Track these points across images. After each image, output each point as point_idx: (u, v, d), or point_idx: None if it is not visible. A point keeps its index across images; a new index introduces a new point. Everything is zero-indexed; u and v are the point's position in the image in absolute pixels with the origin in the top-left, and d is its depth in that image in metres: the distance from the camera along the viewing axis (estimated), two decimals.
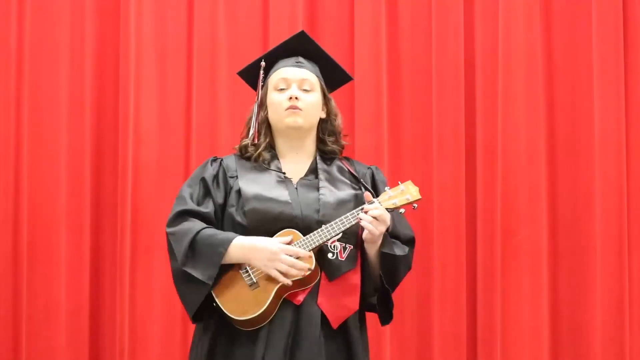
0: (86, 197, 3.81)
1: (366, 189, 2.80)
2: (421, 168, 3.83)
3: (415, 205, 2.72)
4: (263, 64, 2.88)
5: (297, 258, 2.65)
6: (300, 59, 2.86)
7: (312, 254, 2.65)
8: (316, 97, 2.84)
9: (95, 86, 3.86)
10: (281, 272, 2.63)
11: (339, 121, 2.91)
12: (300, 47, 2.88)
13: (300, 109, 2.79)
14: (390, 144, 3.84)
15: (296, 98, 2.80)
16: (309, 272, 2.64)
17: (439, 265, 3.77)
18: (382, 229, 2.67)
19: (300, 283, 2.66)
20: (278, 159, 2.84)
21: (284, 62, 2.86)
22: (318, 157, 2.86)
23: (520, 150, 3.81)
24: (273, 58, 2.89)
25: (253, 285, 2.66)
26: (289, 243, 2.66)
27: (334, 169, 2.85)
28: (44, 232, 3.77)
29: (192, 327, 3.73)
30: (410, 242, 2.82)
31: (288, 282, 2.63)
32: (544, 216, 3.81)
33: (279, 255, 2.62)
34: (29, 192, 3.77)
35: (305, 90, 2.82)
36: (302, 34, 2.91)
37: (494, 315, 3.75)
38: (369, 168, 2.92)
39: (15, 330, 3.76)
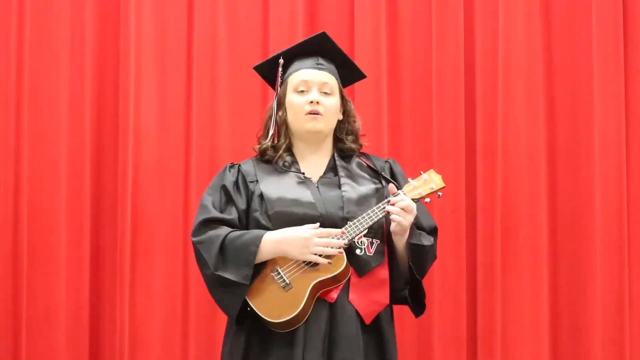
0: (86, 197, 3.81)
1: (389, 181, 2.81)
2: (421, 168, 3.81)
3: (440, 193, 2.73)
4: (281, 61, 2.87)
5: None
6: (320, 60, 2.87)
7: (334, 258, 2.66)
8: (335, 100, 2.86)
9: (95, 86, 3.85)
10: (320, 253, 2.64)
11: (359, 124, 2.94)
12: (319, 47, 2.88)
13: (320, 114, 2.81)
14: (390, 144, 3.84)
15: (317, 102, 2.80)
16: (344, 248, 2.64)
17: (439, 265, 3.77)
18: (411, 219, 2.70)
19: (333, 280, 2.67)
20: (297, 161, 2.85)
21: (304, 62, 2.86)
22: (336, 155, 2.87)
23: (520, 150, 3.80)
24: (291, 56, 2.89)
25: (287, 286, 2.66)
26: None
27: (352, 166, 2.87)
28: (44, 232, 3.77)
29: (192, 327, 3.76)
30: (433, 231, 2.86)
31: (328, 261, 2.63)
32: (544, 216, 3.81)
33: (313, 240, 2.63)
34: (29, 192, 3.76)
35: (325, 94, 2.83)
36: (323, 35, 2.91)
37: (494, 315, 3.75)
38: (386, 162, 2.95)
39: (15, 330, 3.75)
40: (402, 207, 2.67)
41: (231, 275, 2.66)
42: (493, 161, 3.81)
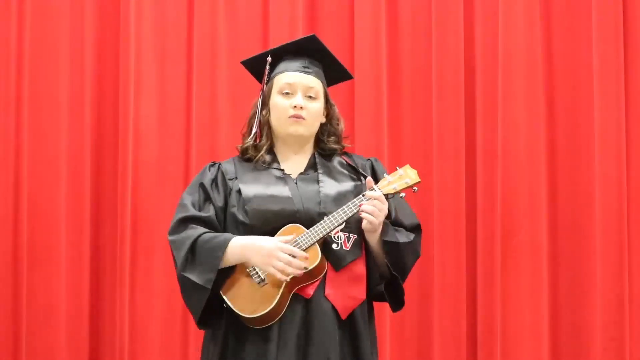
0: (86, 197, 3.81)
1: (366, 176, 2.80)
2: (421, 168, 3.79)
3: (416, 188, 2.72)
4: (269, 59, 2.87)
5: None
6: (307, 63, 2.85)
7: (309, 253, 2.65)
8: (319, 105, 2.85)
9: (95, 86, 3.86)
10: (279, 270, 2.62)
11: (342, 126, 2.93)
12: (308, 49, 2.88)
13: (303, 119, 2.81)
14: (390, 144, 3.84)
15: (301, 107, 2.80)
16: (305, 271, 2.63)
17: (439, 265, 3.78)
18: (381, 216, 2.68)
19: (308, 276, 2.66)
20: (278, 161, 2.86)
21: (291, 64, 2.85)
22: (317, 154, 2.87)
23: (520, 150, 3.81)
24: (280, 55, 2.89)
25: (261, 282, 2.66)
26: (289, 242, 2.66)
27: (333, 163, 2.87)
28: (44, 232, 3.77)
29: (192, 326, 3.76)
30: (415, 229, 2.83)
31: (286, 279, 2.63)
32: (544, 216, 3.81)
33: (277, 253, 2.62)
34: (29, 192, 3.77)
35: (310, 97, 2.83)
36: (313, 38, 2.90)
37: (494, 315, 3.76)
38: (368, 160, 2.94)
39: (15, 330, 3.76)
40: (375, 198, 2.66)
41: (195, 278, 2.68)
42: (493, 161, 3.81)
